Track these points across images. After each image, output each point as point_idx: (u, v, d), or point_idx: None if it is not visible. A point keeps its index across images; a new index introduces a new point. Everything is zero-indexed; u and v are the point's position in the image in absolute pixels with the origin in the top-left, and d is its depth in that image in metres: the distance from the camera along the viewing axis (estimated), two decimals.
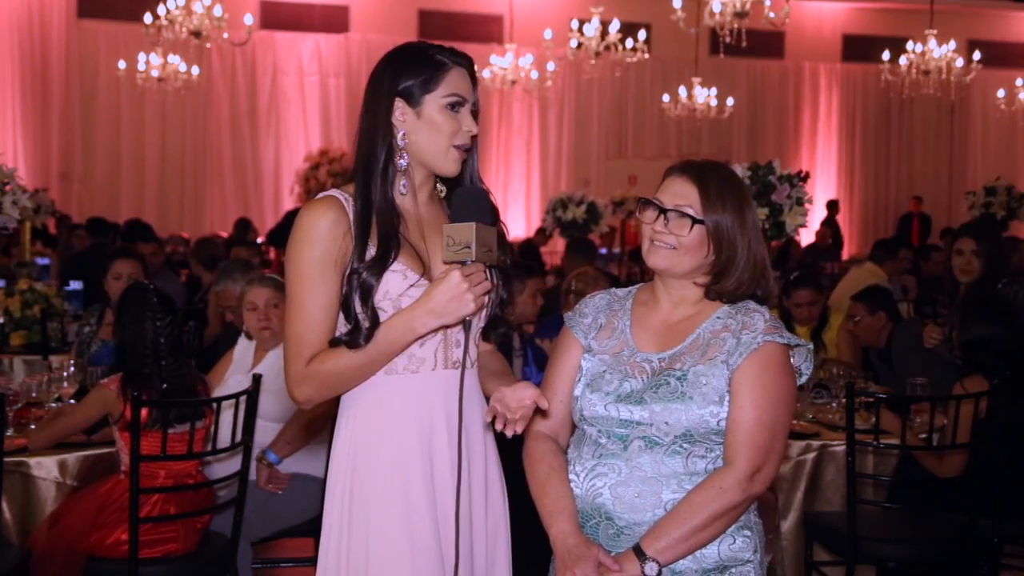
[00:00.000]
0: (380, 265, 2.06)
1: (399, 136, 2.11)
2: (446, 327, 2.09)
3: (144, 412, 3.36)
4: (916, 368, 4.64)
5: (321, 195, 2.13)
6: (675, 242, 2.13)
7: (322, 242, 2.06)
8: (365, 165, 2.11)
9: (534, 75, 12.51)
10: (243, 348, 4.21)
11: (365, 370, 2.09)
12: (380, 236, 2.08)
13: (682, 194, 2.15)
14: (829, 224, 14.20)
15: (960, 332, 4.22)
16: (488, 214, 2.06)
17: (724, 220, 2.12)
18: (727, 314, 2.15)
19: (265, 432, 3.90)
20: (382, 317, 2.06)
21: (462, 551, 2.13)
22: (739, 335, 2.10)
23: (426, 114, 2.11)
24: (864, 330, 5.26)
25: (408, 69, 2.11)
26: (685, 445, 2.08)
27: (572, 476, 2.15)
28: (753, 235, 2.15)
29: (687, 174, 2.16)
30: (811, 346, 2.22)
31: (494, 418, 2.05)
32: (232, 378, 4.06)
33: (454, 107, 2.12)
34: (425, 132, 2.11)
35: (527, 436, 2.24)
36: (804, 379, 2.21)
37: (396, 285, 2.08)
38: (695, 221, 2.12)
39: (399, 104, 2.11)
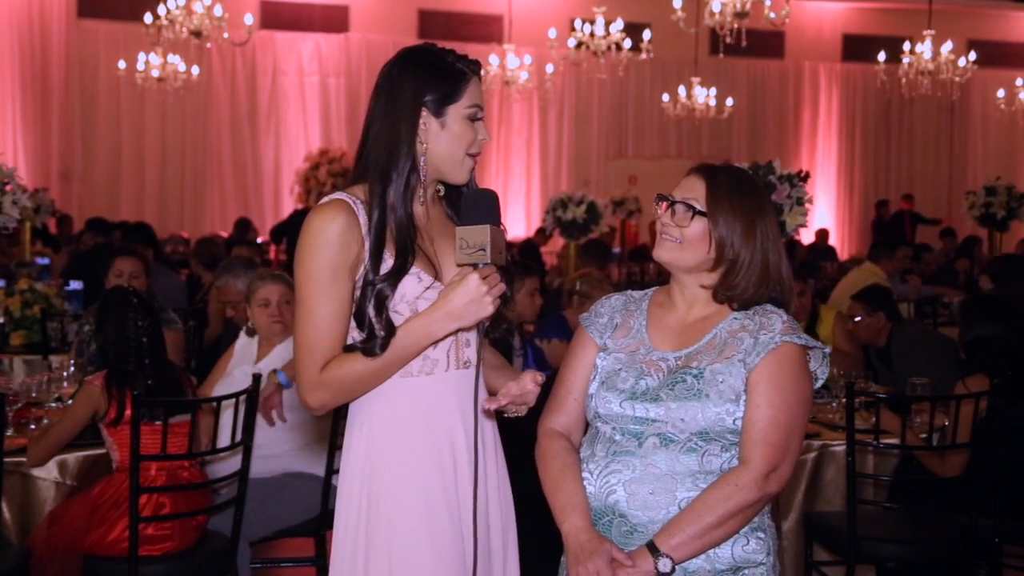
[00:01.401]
0: (396, 277, 2.06)
1: (421, 147, 2.11)
2: (461, 329, 2.09)
3: (129, 407, 3.39)
4: (915, 368, 4.64)
5: (329, 198, 2.10)
6: (679, 235, 2.16)
7: (333, 247, 2.04)
8: (384, 173, 2.09)
9: (523, 76, 12.46)
10: (244, 344, 4.20)
11: (380, 375, 2.08)
12: (398, 248, 2.07)
13: (691, 189, 2.19)
14: (882, 224, 14.08)
15: (962, 332, 4.22)
16: (498, 216, 2.06)
17: (728, 218, 2.14)
18: (744, 315, 2.16)
19: (272, 429, 3.90)
20: (397, 320, 2.06)
21: (481, 548, 2.14)
22: (757, 335, 2.11)
23: (448, 124, 2.11)
24: (863, 330, 5.26)
25: (432, 79, 2.10)
26: (700, 443, 2.09)
27: (585, 474, 2.15)
28: (765, 240, 2.16)
29: (700, 172, 2.21)
30: (827, 350, 2.22)
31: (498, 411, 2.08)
32: (237, 369, 4.04)
33: (473, 117, 2.13)
34: (445, 142, 2.11)
35: (540, 434, 2.26)
36: (820, 383, 2.21)
37: (412, 288, 2.07)
38: (696, 212, 2.15)
39: (423, 114, 2.10)
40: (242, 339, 4.23)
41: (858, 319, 5.25)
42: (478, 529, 2.11)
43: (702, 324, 2.18)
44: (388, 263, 2.07)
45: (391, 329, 2.04)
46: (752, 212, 2.16)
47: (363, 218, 2.07)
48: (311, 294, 2.06)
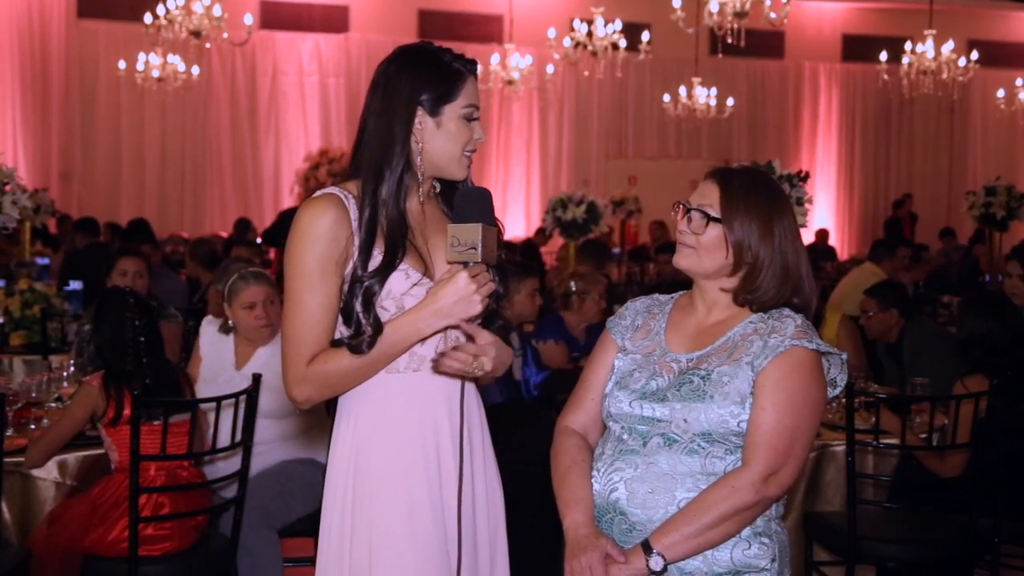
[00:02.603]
0: (384, 273, 2.06)
1: (417, 146, 2.11)
2: (449, 327, 2.09)
3: (128, 406, 3.39)
4: (927, 368, 4.64)
5: (320, 193, 2.11)
6: (694, 242, 2.17)
7: (323, 241, 2.05)
8: (377, 171, 2.09)
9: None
10: (214, 341, 4.08)
11: (367, 371, 2.09)
12: (388, 245, 2.07)
13: (705, 194, 2.19)
14: (895, 223, 13.99)
15: (957, 330, 4.22)
16: (491, 214, 2.06)
17: (743, 223, 2.13)
18: (759, 319, 2.16)
19: (267, 429, 3.89)
20: (384, 316, 2.06)
21: (466, 547, 2.14)
22: (767, 338, 2.10)
23: (444, 124, 2.11)
24: (876, 324, 5.31)
25: (429, 79, 2.10)
26: (703, 444, 2.08)
27: (594, 472, 2.17)
28: (784, 243, 2.15)
29: (715, 177, 2.21)
30: (845, 356, 2.20)
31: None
32: (221, 377, 3.95)
33: (469, 117, 2.13)
34: (441, 141, 2.12)
35: (556, 431, 2.29)
36: (838, 391, 2.19)
37: (399, 284, 2.08)
38: (711, 219, 2.14)
39: (419, 113, 2.10)
40: (210, 335, 4.09)
41: (871, 314, 5.29)
42: (463, 528, 2.11)
43: (719, 327, 2.19)
44: (377, 259, 2.07)
45: (378, 327, 2.04)
46: (768, 213, 2.15)
47: (354, 213, 2.08)
48: (299, 287, 2.06)
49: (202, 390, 3.90)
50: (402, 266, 2.08)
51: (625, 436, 2.15)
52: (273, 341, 3.96)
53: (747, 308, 2.17)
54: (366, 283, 2.05)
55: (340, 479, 2.15)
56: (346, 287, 2.07)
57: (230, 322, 4.05)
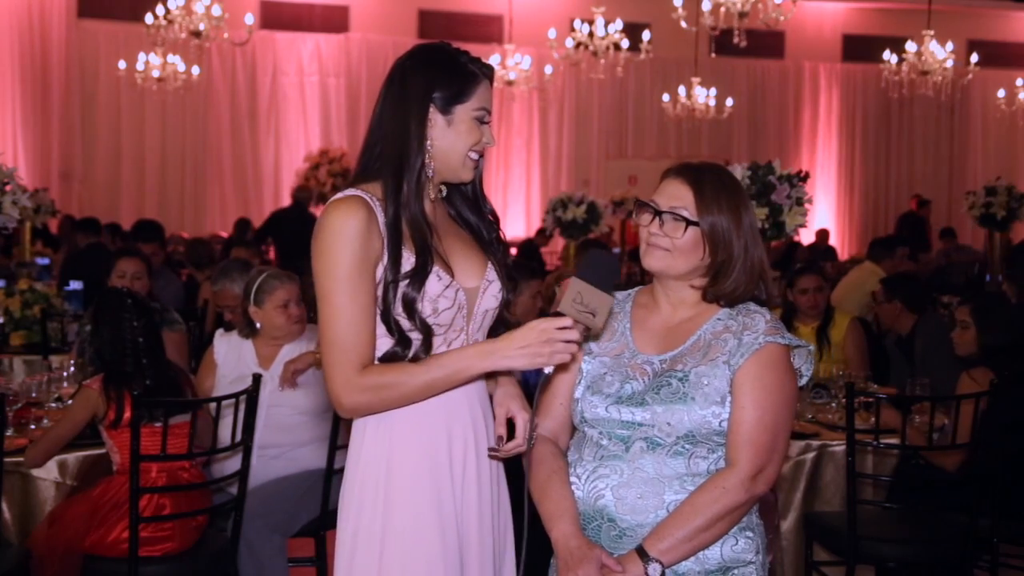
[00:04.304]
0: (420, 277, 2.04)
1: (427, 144, 2.10)
2: (510, 368, 2.05)
3: (128, 408, 3.39)
4: (938, 365, 4.64)
5: (343, 195, 2.08)
6: (669, 244, 2.13)
7: (357, 242, 2.02)
8: (397, 168, 2.08)
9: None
10: (232, 348, 4.05)
11: (427, 392, 2.06)
12: (418, 247, 2.05)
13: (677, 196, 2.15)
14: (911, 221, 13.91)
15: (981, 332, 4.16)
16: (612, 286, 2.01)
17: (719, 222, 2.11)
18: (728, 315, 2.15)
19: (302, 428, 3.90)
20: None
21: (481, 555, 2.15)
22: (740, 336, 2.10)
23: (454, 124, 2.11)
24: (881, 311, 5.36)
25: (443, 77, 2.10)
26: (687, 446, 2.08)
27: (573, 479, 2.15)
28: (750, 237, 2.14)
29: (683, 176, 2.16)
30: (812, 348, 2.22)
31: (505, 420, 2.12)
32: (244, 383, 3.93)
33: (480, 120, 2.13)
34: (449, 141, 2.11)
35: None
36: (804, 380, 2.21)
37: (433, 287, 2.06)
38: (689, 223, 2.12)
39: (431, 110, 2.09)
40: (225, 344, 4.06)
41: (880, 301, 5.36)
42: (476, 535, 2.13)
43: (687, 325, 2.17)
44: (409, 262, 2.05)
45: (427, 328, 2.04)
46: (738, 211, 2.14)
47: (381, 216, 2.06)
48: (337, 292, 2.02)
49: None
50: (433, 268, 2.07)
51: (604, 441, 2.13)
52: (298, 339, 3.98)
53: (715, 304, 2.16)
54: (402, 288, 2.04)
55: (369, 484, 2.12)
56: (379, 293, 2.05)
57: (257, 325, 3.99)
